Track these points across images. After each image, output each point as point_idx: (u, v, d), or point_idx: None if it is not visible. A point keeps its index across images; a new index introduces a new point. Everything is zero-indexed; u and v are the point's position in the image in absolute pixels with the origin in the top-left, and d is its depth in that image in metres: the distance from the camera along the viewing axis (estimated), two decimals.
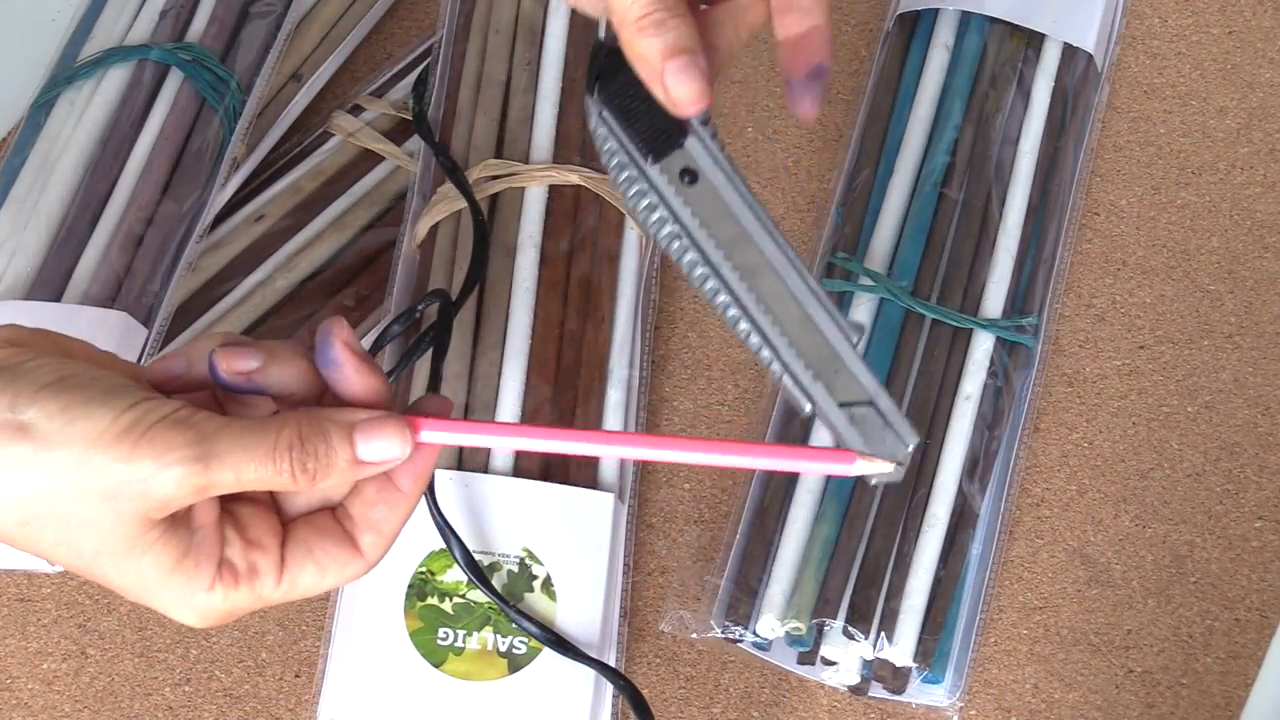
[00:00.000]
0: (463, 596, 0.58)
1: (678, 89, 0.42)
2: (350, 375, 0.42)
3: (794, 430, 0.63)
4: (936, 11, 0.72)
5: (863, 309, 0.65)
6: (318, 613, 0.61)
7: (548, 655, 0.57)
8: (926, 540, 0.60)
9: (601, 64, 0.44)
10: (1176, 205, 0.71)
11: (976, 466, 0.62)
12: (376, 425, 0.41)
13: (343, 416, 0.41)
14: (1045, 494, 0.64)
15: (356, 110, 0.71)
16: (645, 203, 0.43)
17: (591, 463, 0.61)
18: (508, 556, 0.58)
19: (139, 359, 0.60)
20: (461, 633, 0.57)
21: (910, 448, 0.42)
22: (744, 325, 0.42)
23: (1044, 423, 0.66)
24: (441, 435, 0.41)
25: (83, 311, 0.60)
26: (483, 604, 0.58)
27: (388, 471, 0.42)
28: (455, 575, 0.58)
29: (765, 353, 0.42)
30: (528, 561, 0.58)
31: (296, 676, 0.60)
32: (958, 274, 0.65)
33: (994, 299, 0.65)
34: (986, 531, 0.62)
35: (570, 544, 0.59)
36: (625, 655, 0.60)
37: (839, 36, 0.76)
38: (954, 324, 0.64)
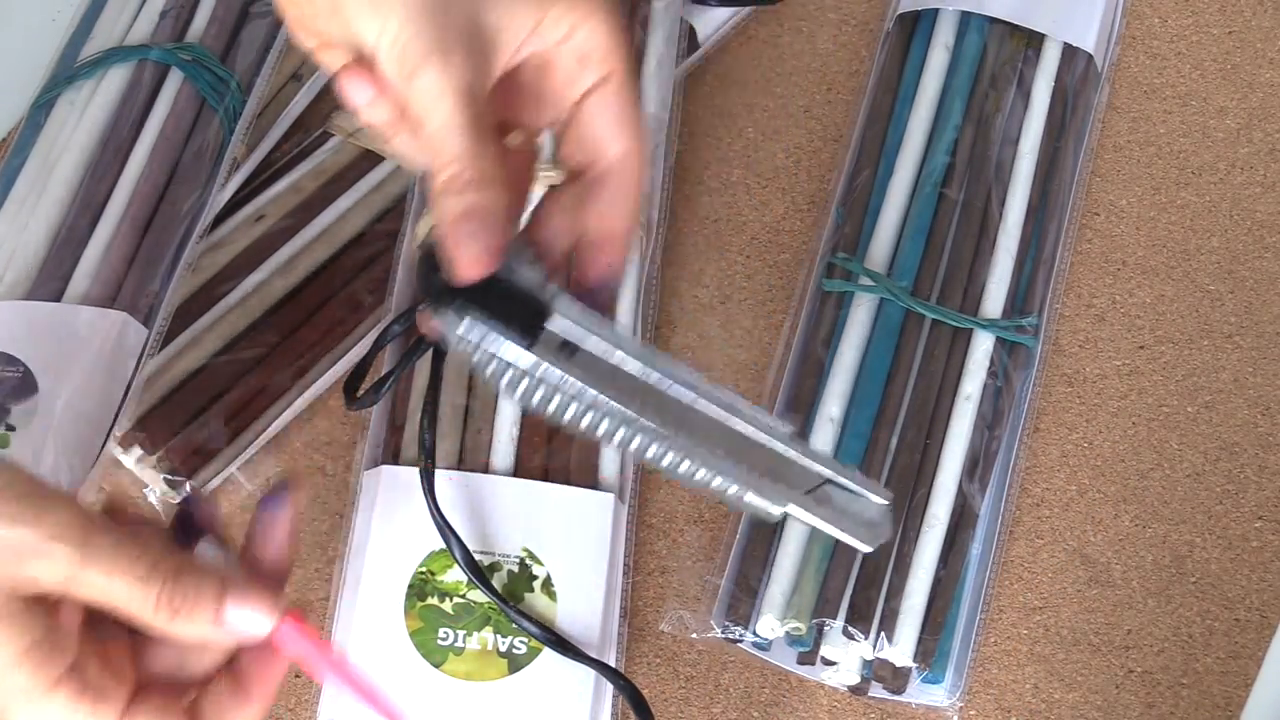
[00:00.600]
0: (463, 596, 0.58)
1: (462, 251, 0.42)
2: (277, 536, 0.43)
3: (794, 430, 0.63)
4: (936, 11, 0.72)
5: (863, 309, 0.65)
6: (317, 613, 0.61)
7: (548, 655, 0.57)
8: (926, 540, 0.60)
9: (432, 273, 0.43)
10: (1176, 205, 0.71)
11: (976, 466, 0.62)
12: (251, 594, 0.41)
13: (222, 575, 0.41)
14: (1045, 494, 0.64)
15: None
16: (546, 397, 0.42)
17: (592, 462, 0.61)
18: (508, 557, 0.58)
19: (139, 360, 0.60)
20: (461, 633, 0.57)
21: (887, 503, 0.42)
22: (687, 465, 0.42)
23: (1044, 423, 0.66)
24: (298, 643, 0.41)
25: (82, 311, 0.60)
26: (483, 604, 0.58)
27: (241, 674, 0.42)
28: (455, 575, 0.58)
29: (718, 481, 0.42)
30: (528, 562, 0.58)
31: (296, 677, 0.60)
32: (958, 274, 0.65)
33: (994, 299, 0.65)
34: (986, 531, 0.62)
35: (570, 544, 0.59)
36: (625, 655, 0.60)
37: (840, 36, 0.76)
38: (954, 324, 0.64)
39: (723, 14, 0.75)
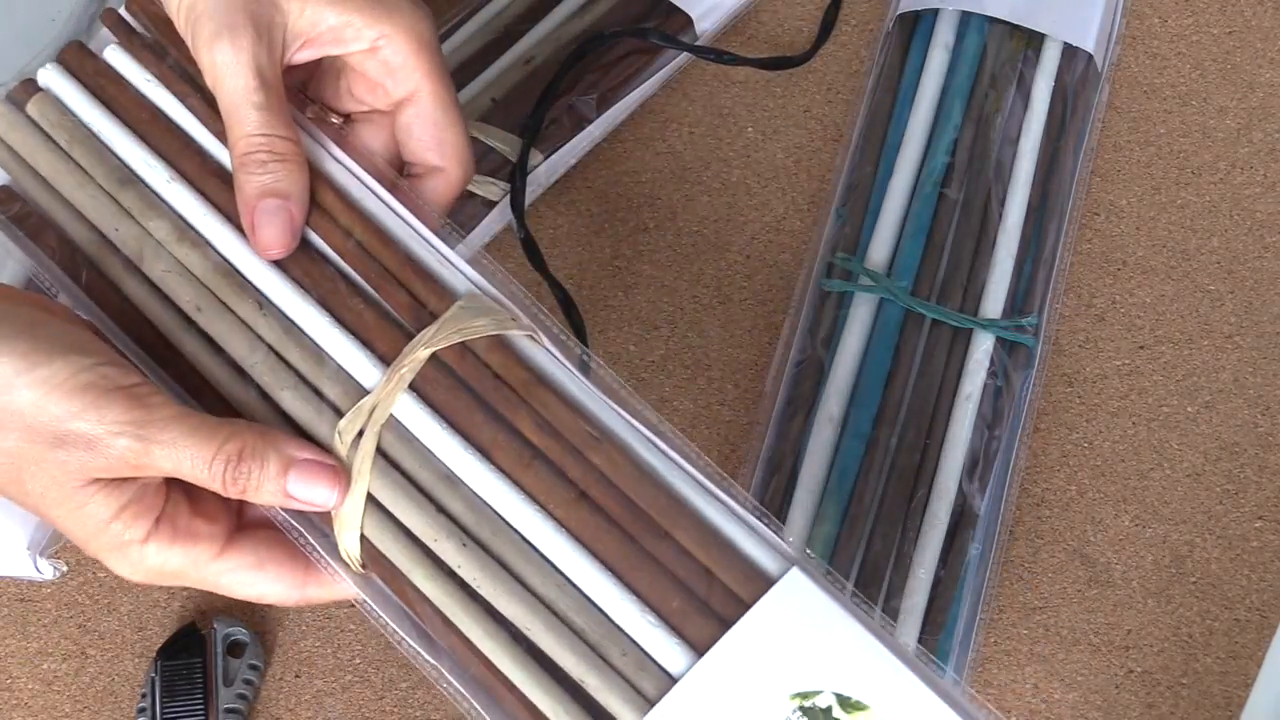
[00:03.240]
0: None
1: (263, 230, 0.44)
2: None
3: (794, 431, 0.63)
4: (936, 11, 0.72)
5: (863, 309, 0.65)
6: (318, 614, 0.61)
7: None
8: (926, 540, 0.60)
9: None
10: (1176, 205, 0.71)
11: (976, 466, 0.62)
12: (313, 470, 0.42)
13: (287, 448, 0.42)
14: (1045, 494, 0.64)
15: None
16: None
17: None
18: None
19: None
20: None
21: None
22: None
23: (1044, 423, 0.66)
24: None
25: None
26: None
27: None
28: None
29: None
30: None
31: (296, 677, 0.60)
32: (958, 274, 0.65)
33: (994, 299, 0.65)
34: (986, 531, 0.62)
35: None
36: None
37: (840, 36, 0.76)
38: (954, 324, 0.64)
39: (723, 11, 0.75)
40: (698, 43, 0.74)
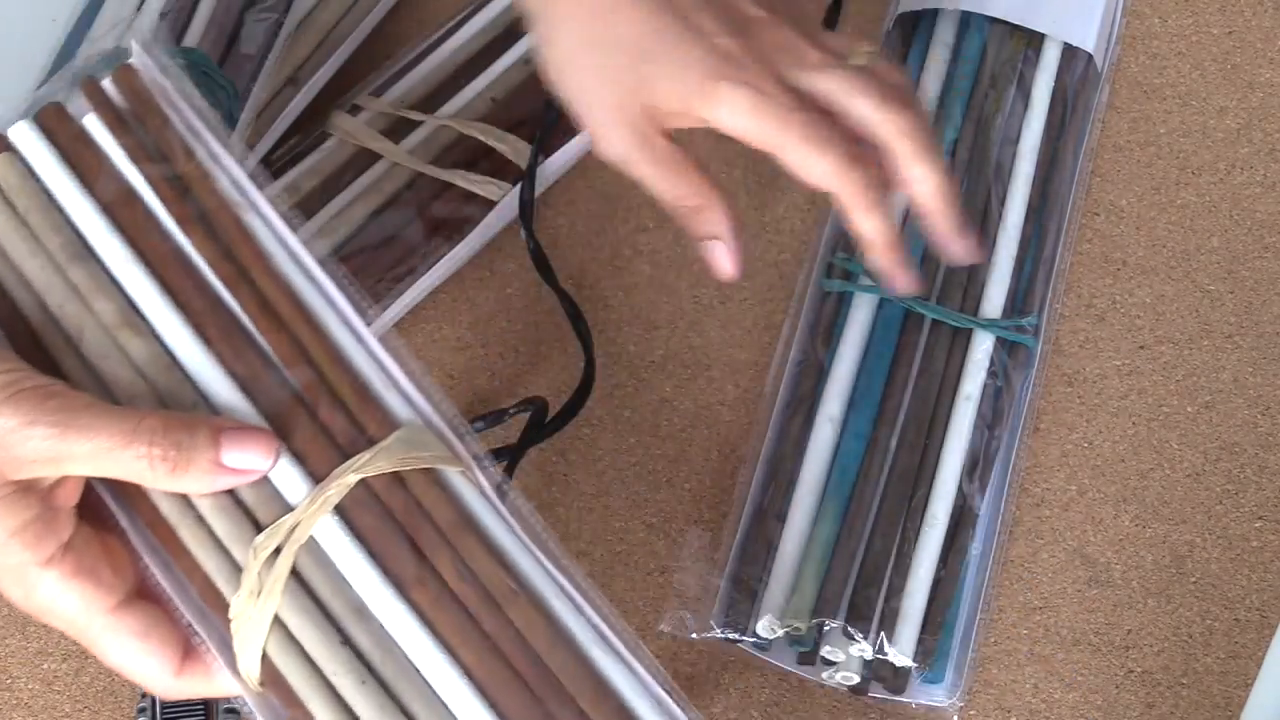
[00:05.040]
0: None
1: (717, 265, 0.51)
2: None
3: (794, 430, 0.63)
4: (936, 12, 0.72)
5: (863, 309, 0.65)
6: None
7: None
8: (926, 540, 0.60)
9: None
10: (1176, 205, 0.71)
11: (976, 466, 0.62)
12: (246, 434, 0.41)
13: (213, 420, 0.41)
14: (1045, 494, 0.64)
15: (355, 110, 0.71)
16: None
17: None
18: None
19: None
20: None
21: None
22: None
23: (1044, 423, 0.66)
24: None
25: None
26: None
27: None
28: None
29: None
30: None
31: None
32: (957, 274, 0.65)
33: (994, 299, 0.65)
34: (986, 531, 0.62)
35: None
36: None
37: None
38: (954, 324, 0.64)
39: None
40: None
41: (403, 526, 0.42)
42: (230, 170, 0.47)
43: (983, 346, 0.64)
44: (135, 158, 0.47)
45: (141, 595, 0.43)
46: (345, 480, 0.42)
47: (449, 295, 0.69)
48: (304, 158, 0.70)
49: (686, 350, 0.68)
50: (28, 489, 0.40)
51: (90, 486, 0.43)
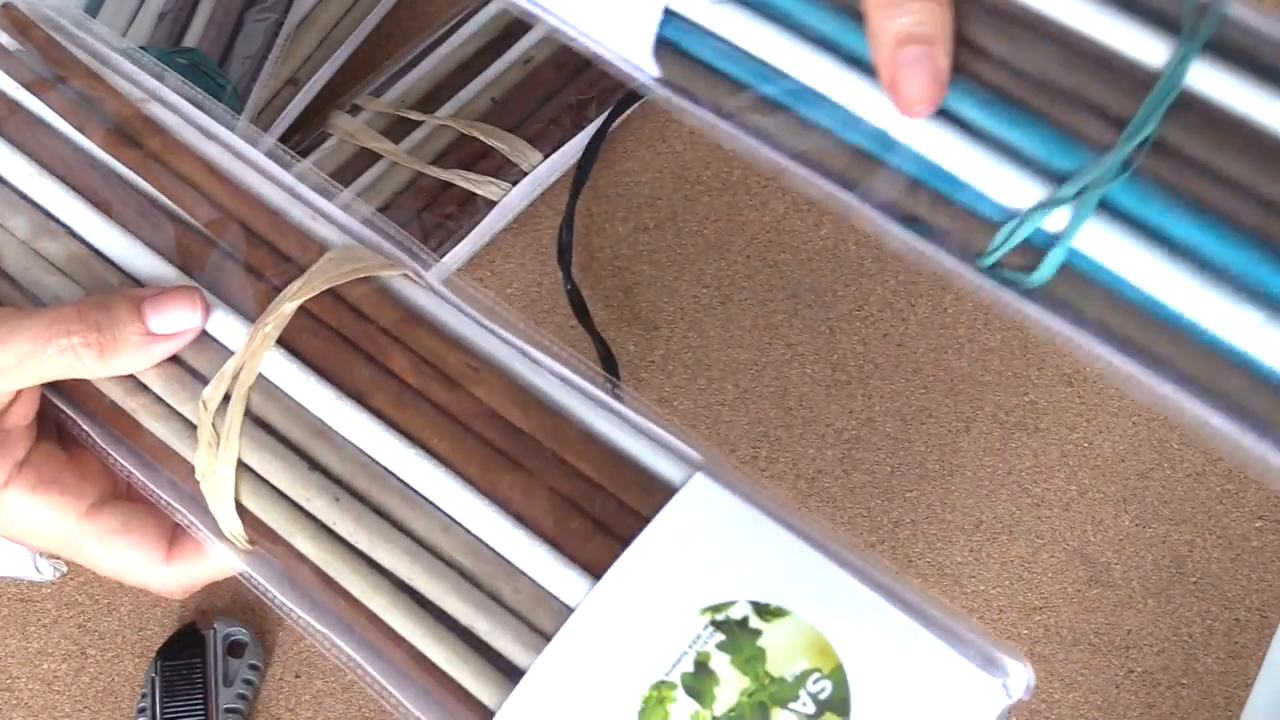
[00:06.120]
0: None
1: (906, 84, 0.37)
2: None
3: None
4: None
5: None
6: None
7: None
8: None
9: None
10: None
11: None
12: (166, 294, 0.40)
13: (131, 292, 0.41)
14: (1045, 494, 0.64)
15: (355, 110, 0.71)
16: None
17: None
18: None
19: None
20: None
21: None
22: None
23: (1044, 423, 0.66)
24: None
25: None
26: None
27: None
28: None
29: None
30: None
31: (296, 677, 0.60)
32: None
33: None
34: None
35: None
36: None
37: None
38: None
39: None
40: None
41: (349, 339, 0.41)
42: (123, 69, 0.47)
43: None
44: (24, 82, 0.47)
45: (121, 495, 0.43)
46: (282, 311, 0.41)
47: None
48: (304, 158, 0.70)
49: (686, 350, 0.68)
50: None
51: (46, 400, 0.43)
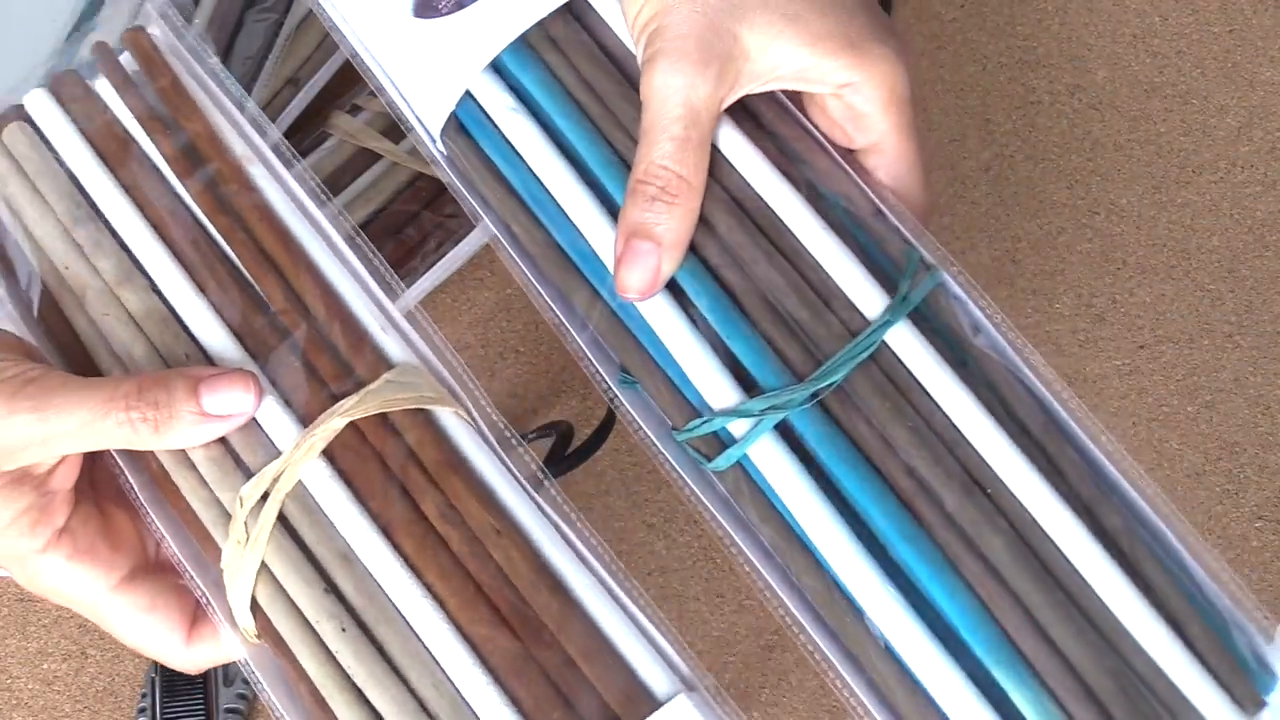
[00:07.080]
0: None
1: (625, 271, 0.41)
2: None
3: None
4: None
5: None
6: None
7: None
8: None
9: None
10: (1177, 204, 0.71)
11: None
12: (223, 376, 0.41)
13: (189, 371, 0.41)
14: None
15: (355, 110, 0.71)
16: None
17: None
18: None
19: None
20: None
21: None
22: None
23: None
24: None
25: None
26: None
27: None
28: None
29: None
30: None
31: None
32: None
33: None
34: None
35: None
36: None
37: None
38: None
39: None
40: None
41: (390, 469, 0.42)
42: (238, 123, 0.48)
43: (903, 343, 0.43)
44: (140, 117, 0.47)
45: (150, 568, 0.44)
46: (331, 425, 0.42)
47: (449, 295, 0.69)
48: (304, 158, 0.70)
49: None
50: (21, 479, 0.41)
51: (89, 462, 0.44)
